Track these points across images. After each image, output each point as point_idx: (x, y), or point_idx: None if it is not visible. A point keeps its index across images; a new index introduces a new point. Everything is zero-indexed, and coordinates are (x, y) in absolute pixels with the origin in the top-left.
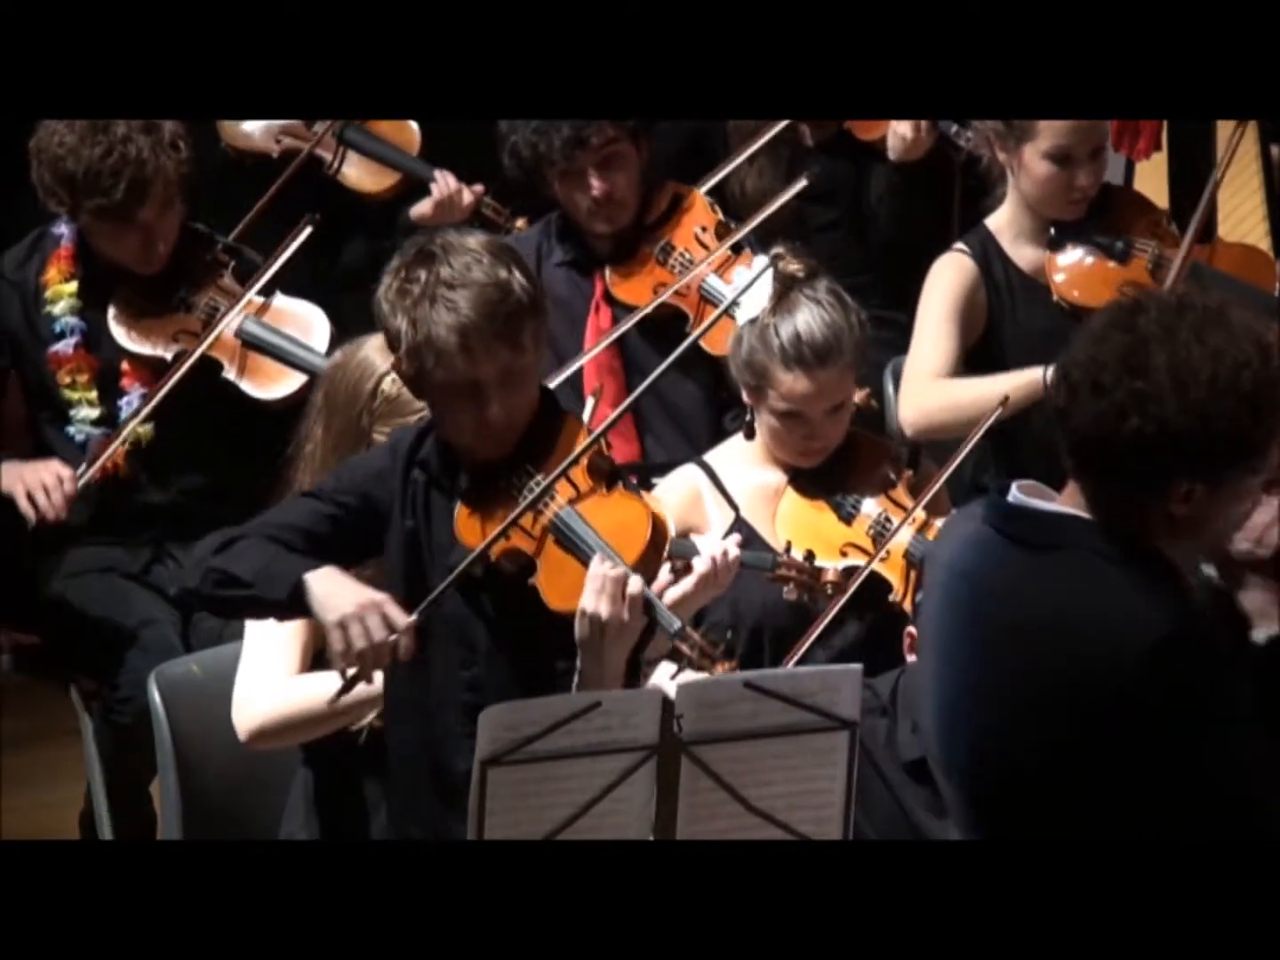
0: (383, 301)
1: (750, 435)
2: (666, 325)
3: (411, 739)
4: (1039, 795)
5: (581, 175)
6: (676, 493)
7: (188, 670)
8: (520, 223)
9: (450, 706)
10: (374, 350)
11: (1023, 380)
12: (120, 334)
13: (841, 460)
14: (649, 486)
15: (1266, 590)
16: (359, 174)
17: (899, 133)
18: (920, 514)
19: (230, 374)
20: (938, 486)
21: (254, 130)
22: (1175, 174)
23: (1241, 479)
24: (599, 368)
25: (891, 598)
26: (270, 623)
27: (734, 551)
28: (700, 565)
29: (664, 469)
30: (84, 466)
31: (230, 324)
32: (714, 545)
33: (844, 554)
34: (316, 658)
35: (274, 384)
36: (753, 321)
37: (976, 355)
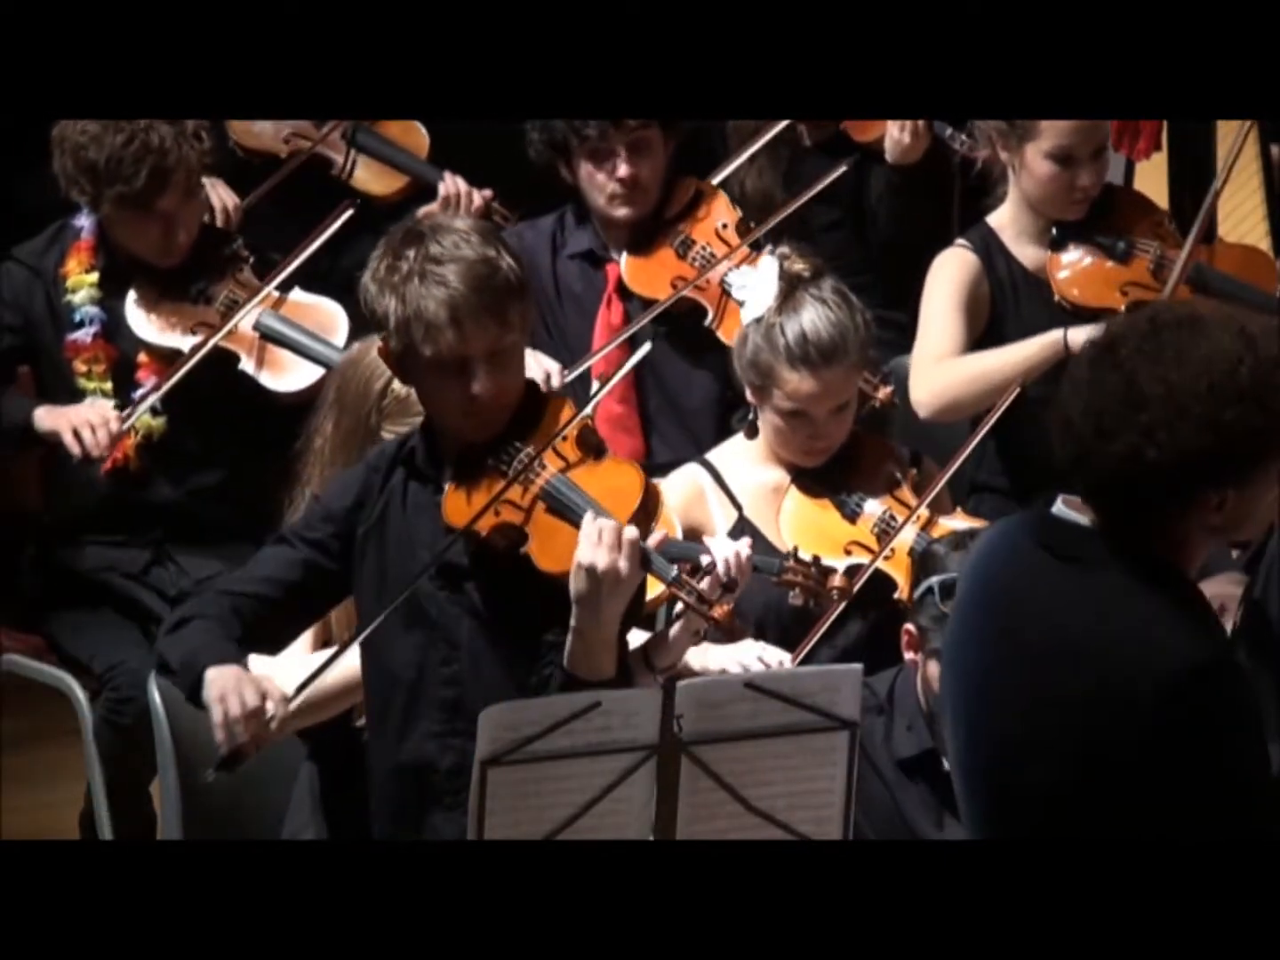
0: (370, 284)
1: (752, 434)
2: (683, 319)
3: (391, 737)
4: (1058, 806)
5: (610, 155)
6: (679, 491)
7: None
8: None
9: (430, 703)
10: None
11: (1045, 341)
12: (138, 324)
13: (845, 459)
14: None
15: (1230, 582)
16: (368, 176)
17: (895, 136)
18: (924, 512)
19: (248, 366)
20: (941, 484)
21: (263, 130)
22: (1175, 174)
23: (1268, 470)
24: (609, 359)
25: (896, 596)
26: None
27: (746, 553)
28: (716, 569)
29: (667, 468)
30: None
31: (249, 317)
32: (726, 548)
33: (848, 552)
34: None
35: (292, 375)
36: (758, 321)
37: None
